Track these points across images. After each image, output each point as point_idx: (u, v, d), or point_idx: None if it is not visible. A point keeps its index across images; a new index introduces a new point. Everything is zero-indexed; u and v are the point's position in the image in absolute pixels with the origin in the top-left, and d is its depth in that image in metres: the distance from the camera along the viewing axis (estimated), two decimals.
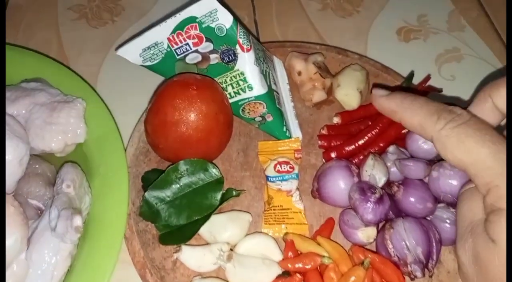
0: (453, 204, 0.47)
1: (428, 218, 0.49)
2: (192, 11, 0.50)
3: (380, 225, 0.50)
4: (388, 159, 0.52)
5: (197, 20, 0.50)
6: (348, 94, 0.57)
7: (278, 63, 0.63)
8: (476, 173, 0.38)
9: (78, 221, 0.41)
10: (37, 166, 0.52)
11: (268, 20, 0.75)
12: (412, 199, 0.48)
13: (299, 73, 0.60)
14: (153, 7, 0.76)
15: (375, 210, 0.47)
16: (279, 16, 0.76)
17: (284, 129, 0.57)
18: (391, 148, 0.52)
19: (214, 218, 0.49)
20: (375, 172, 0.48)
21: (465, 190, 0.42)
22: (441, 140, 0.41)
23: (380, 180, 0.49)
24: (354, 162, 0.55)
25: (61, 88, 0.56)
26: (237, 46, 0.52)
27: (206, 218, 0.48)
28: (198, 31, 0.51)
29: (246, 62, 0.52)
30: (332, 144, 0.57)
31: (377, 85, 0.59)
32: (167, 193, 0.49)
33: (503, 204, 0.36)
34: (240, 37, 0.51)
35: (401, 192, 0.49)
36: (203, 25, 0.51)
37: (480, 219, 0.39)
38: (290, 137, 0.57)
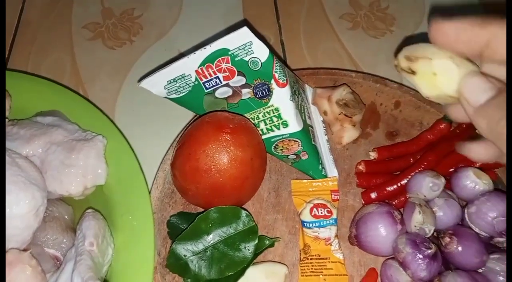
0: (504, 231, 0.44)
1: (480, 270, 0.45)
2: (224, 43, 0.46)
3: None
4: (435, 203, 0.47)
5: (230, 52, 0.46)
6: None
7: (310, 92, 0.58)
8: None
9: None
10: (53, 209, 0.48)
11: (295, 40, 0.70)
12: (468, 252, 0.44)
13: (325, 113, 0.55)
14: (174, 25, 0.72)
15: (429, 267, 0.43)
16: (307, 35, 0.71)
17: (320, 168, 0.52)
18: None
19: (247, 272, 0.45)
20: (424, 226, 0.44)
21: None
22: None
23: (430, 231, 0.45)
24: (394, 203, 0.50)
25: (79, 122, 0.52)
26: (272, 81, 0.47)
27: (239, 274, 0.44)
28: (230, 65, 0.47)
29: (282, 98, 0.48)
30: (372, 183, 0.52)
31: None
32: (196, 244, 0.45)
33: None
34: (276, 72, 0.47)
35: (455, 244, 0.44)
36: (236, 58, 0.46)
37: None
38: (326, 176, 0.53)
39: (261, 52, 0.46)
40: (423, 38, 0.34)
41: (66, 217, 0.48)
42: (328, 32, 0.72)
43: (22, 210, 0.41)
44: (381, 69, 0.66)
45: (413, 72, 0.32)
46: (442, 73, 0.31)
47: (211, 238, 0.45)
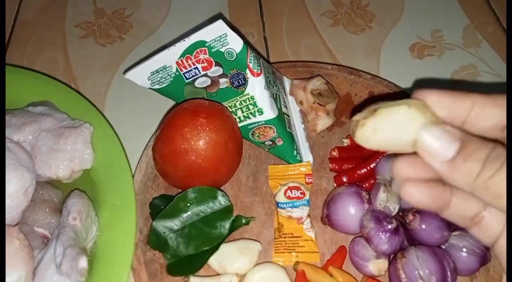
0: None
1: (443, 246, 0.48)
2: (201, 35, 0.49)
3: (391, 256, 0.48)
4: None
5: (207, 44, 0.49)
6: None
7: (288, 84, 0.61)
8: None
9: (83, 263, 0.40)
10: (43, 192, 0.51)
11: (278, 37, 0.74)
12: (429, 229, 0.46)
13: (301, 103, 0.58)
14: (162, 24, 0.75)
15: (391, 241, 0.45)
16: (289, 32, 0.74)
17: (295, 153, 0.55)
18: None
19: (223, 248, 0.48)
20: (389, 204, 0.47)
21: None
22: None
23: (395, 209, 0.48)
24: (365, 186, 0.53)
25: (68, 111, 0.55)
26: (247, 71, 0.50)
27: (215, 249, 0.47)
28: (207, 56, 0.50)
29: (256, 86, 0.51)
30: (344, 167, 0.55)
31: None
32: (175, 222, 0.48)
33: None
34: (250, 62, 0.50)
35: (418, 221, 0.47)
36: (213, 50, 0.50)
37: None
38: (301, 161, 0.56)
39: (235, 43, 0.49)
40: None
41: (56, 200, 0.51)
42: (310, 29, 0.75)
43: (12, 189, 0.44)
44: (360, 64, 0.70)
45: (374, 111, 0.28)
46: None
47: (189, 216, 0.48)
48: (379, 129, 0.28)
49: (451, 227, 0.48)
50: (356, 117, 0.28)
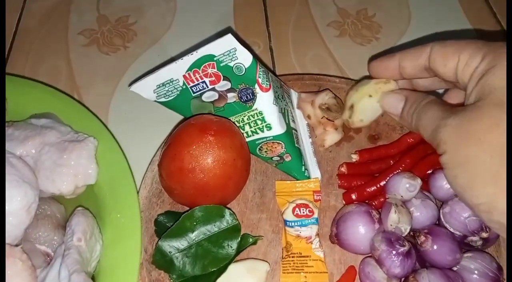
0: (477, 230, 0.46)
1: (454, 269, 0.47)
2: (210, 49, 0.48)
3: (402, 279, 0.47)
4: (412, 203, 0.49)
5: (215, 58, 0.48)
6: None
7: (295, 97, 0.60)
8: None
9: None
10: (46, 207, 0.50)
11: (284, 47, 0.73)
12: (442, 251, 0.46)
13: (309, 117, 0.57)
14: (166, 33, 0.74)
15: (403, 264, 0.44)
16: (295, 42, 0.73)
17: (303, 169, 0.54)
18: None
19: (230, 268, 0.47)
20: (400, 225, 0.46)
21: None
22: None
23: (406, 230, 0.47)
24: (374, 203, 0.52)
25: (72, 124, 0.54)
26: (256, 86, 0.49)
27: (222, 270, 0.46)
28: (215, 70, 0.49)
29: (265, 101, 0.50)
30: (353, 184, 0.54)
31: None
32: (181, 241, 0.47)
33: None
34: (259, 77, 0.49)
35: (429, 242, 0.46)
36: (221, 64, 0.48)
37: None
38: (309, 177, 0.55)
39: (245, 58, 0.48)
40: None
41: (58, 215, 0.50)
42: (316, 39, 0.74)
43: (15, 206, 0.43)
44: (365, 74, 0.69)
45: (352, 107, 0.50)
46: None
47: (196, 236, 0.47)
48: (364, 119, 0.50)
49: (462, 248, 0.47)
50: (345, 117, 0.51)
